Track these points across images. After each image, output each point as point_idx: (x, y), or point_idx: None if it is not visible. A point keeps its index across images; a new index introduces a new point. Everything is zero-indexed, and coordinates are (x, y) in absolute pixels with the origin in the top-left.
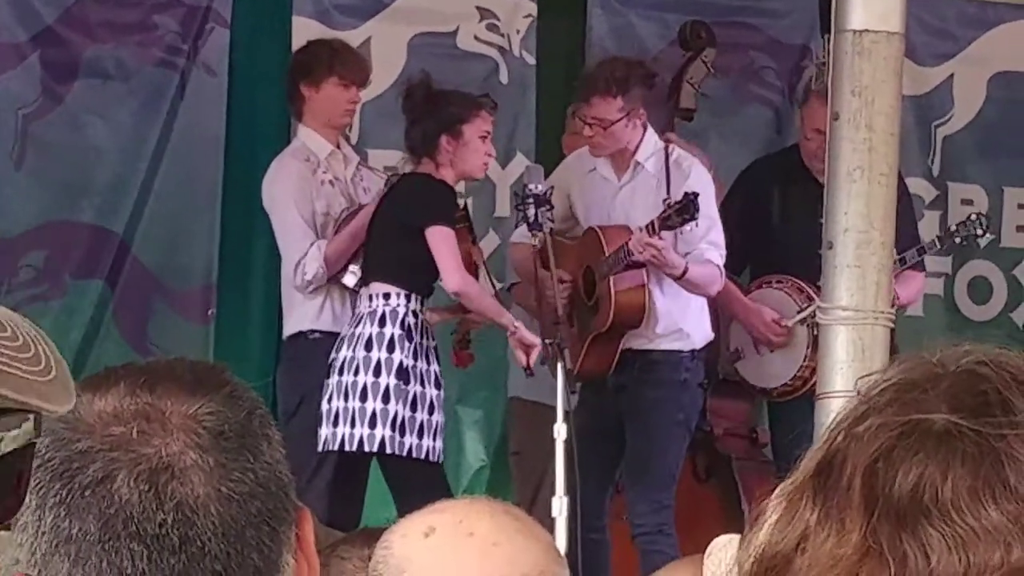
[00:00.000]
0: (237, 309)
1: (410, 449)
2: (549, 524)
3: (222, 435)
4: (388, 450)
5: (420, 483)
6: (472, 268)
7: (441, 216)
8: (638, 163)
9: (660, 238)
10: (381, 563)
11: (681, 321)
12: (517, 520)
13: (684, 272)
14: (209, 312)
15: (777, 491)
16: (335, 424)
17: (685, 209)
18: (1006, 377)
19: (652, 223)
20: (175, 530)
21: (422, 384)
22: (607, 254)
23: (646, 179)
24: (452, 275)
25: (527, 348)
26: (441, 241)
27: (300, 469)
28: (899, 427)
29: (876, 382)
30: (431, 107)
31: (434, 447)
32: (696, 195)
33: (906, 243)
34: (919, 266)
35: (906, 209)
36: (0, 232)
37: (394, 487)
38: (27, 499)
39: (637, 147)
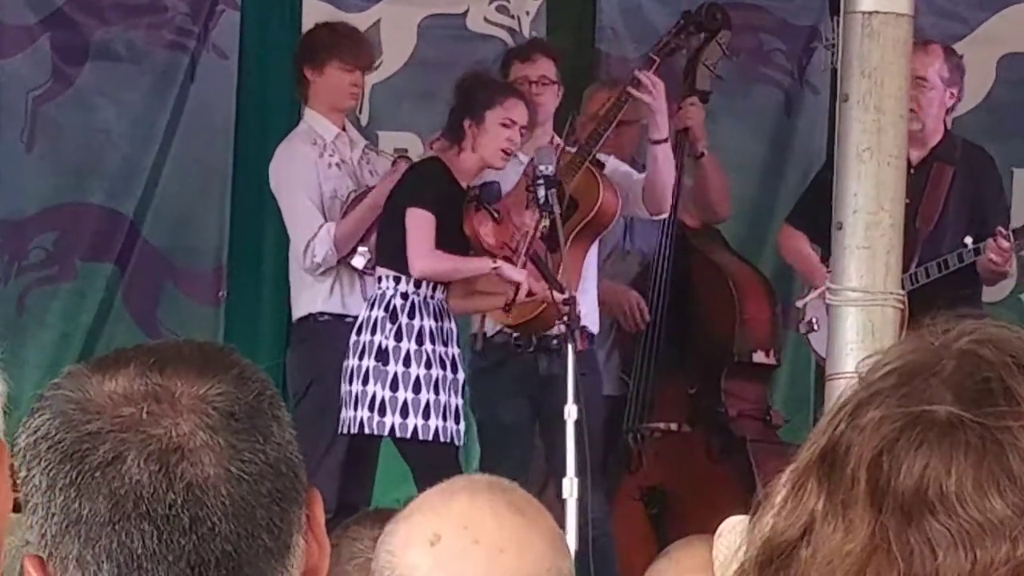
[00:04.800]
0: (247, 291)
1: (392, 428)
2: (559, 505)
3: (232, 416)
4: (367, 431)
5: (404, 463)
6: (498, 247)
7: (417, 198)
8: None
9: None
10: (387, 569)
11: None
12: (522, 516)
13: (666, 139)
14: (220, 294)
15: (784, 474)
16: (345, 407)
17: (709, 19)
18: (1008, 361)
19: (652, 58)
20: (185, 510)
21: (406, 364)
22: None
23: None
24: (413, 259)
25: (513, 285)
26: (411, 224)
27: (311, 451)
28: (902, 419)
29: (877, 365)
30: (467, 92)
31: (426, 426)
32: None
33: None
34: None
35: (996, 190)
36: (11, 214)
37: (382, 467)
38: (38, 480)
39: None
